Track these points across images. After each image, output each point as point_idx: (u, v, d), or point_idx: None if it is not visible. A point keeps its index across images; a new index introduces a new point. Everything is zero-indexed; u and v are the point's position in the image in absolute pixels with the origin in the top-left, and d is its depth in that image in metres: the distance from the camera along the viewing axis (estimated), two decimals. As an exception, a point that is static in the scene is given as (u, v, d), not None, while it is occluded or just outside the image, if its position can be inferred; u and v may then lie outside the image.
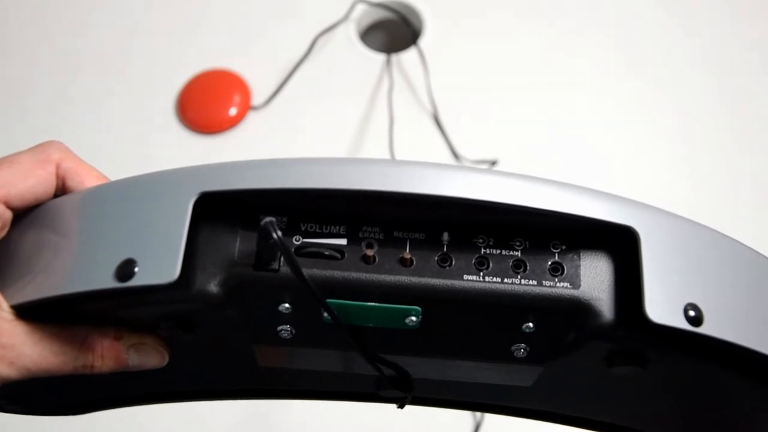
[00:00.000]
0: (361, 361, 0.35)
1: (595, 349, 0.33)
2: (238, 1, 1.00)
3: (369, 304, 0.32)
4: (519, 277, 0.32)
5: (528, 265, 0.33)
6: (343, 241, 0.32)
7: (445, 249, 0.33)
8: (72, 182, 0.36)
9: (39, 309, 0.33)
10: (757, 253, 0.34)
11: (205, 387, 0.44)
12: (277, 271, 0.32)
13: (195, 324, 0.34)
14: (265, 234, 0.30)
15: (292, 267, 0.30)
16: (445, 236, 0.33)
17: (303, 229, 0.33)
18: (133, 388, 0.43)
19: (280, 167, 0.32)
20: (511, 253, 0.33)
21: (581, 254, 0.33)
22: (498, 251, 0.33)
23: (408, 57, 0.95)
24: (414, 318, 0.33)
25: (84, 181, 0.36)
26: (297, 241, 0.32)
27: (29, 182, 0.35)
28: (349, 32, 0.97)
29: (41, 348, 0.33)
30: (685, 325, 0.30)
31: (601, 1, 1.01)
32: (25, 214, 0.35)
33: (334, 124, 0.92)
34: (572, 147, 0.91)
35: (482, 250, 0.33)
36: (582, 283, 0.32)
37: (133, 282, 0.30)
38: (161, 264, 0.30)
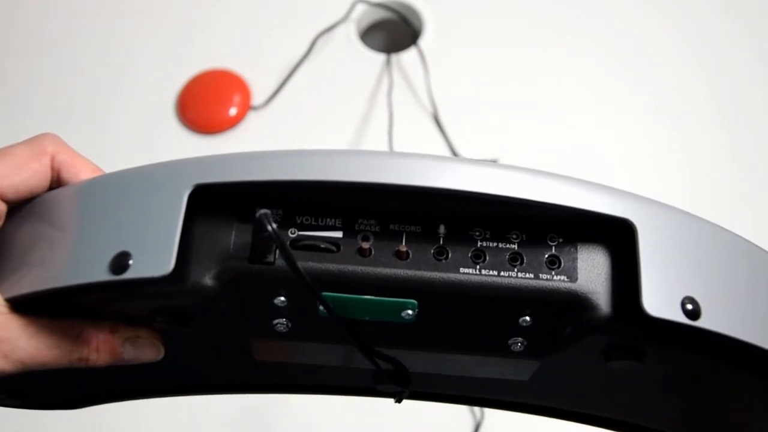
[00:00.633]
0: (357, 355, 0.34)
1: (593, 343, 0.33)
2: (238, 1, 1.00)
3: (365, 297, 0.32)
4: (516, 270, 0.32)
5: (525, 258, 0.32)
6: (339, 234, 0.32)
7: (441, 242, 0.32)
8: (67, 174, 0.36)
9: (34, 302, 0.33)
10: (755, 245, 0.33)
11: (201, 381, 0.44)
12: (272, 264, 0.31)
13: (190, 317, 0.34)
14: (259, 226, 0.29)
15: (287, 260, 0.30)
16: (442, 229, 0.33)
17: (298, 221, 0.32)
18: (130, 382, 0.43)
19: (275, 159, 0.31)
20: (508, 246, 0.32)
21: (578, 247, 0.32)
22: (495, 244, 0.32)
23: (408, 57, 0.95)
24: (410, 311, 0.32)
25: (79, 173, 0.36)
26: (292, 233, 0.32)
27: (24, 175, 0.35)
28: (349, 32, 0.97)
29: (36, 341, 0.33)
30: (682, 319, 0.30)
31: (601, 2, 1.01)
32: (19, 206, 0.35)
33: (334, 124, 0.92)
34: (572, 147, 0.90)
35: (479, 243, 0.32)
36: (579, 276, 0.32)
37: (128, 275, 0.30)
38: (156, 257, 0.30)
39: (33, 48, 0.97)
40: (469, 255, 0.32)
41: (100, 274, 0.30)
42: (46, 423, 0.71)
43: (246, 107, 0.92)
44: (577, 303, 0.32)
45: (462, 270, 0.32)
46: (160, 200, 0.31)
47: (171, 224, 0.30)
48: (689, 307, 0.30)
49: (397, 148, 0.88)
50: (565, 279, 0.32)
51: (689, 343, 0.32)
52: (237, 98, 0.92)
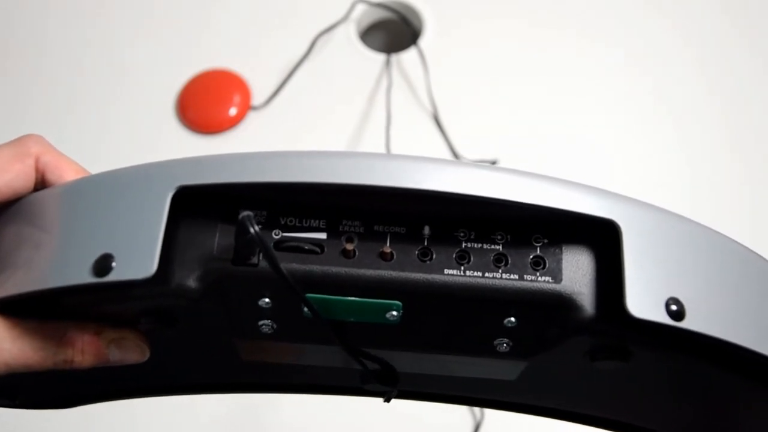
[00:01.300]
0: (345, 355, 0.34)
1: (578, 344, 0.33)
2: (238, 1, 1.00)
3: (349, 298, 0.32)
4: (500, 271, 0.32)
5: (509, 258, 0.32)
6: (323, 235, 0.32)
7: (425, 243, 0.32)
8: (51, 176, 0.36)
9: (19, 304, 0.33)
10: (742, 245, 0.33)
11: (190, 381, 0.44)
12: (256, 265, 0.31)
13: (175, 319, 0.34)
14: (242, 229, 0.29)
15: (270, 262, 0.30)
16: (426, 230, 0.32)
17: (282, 222, 0.32)
18: (120, 382, 0.43)
19: (258, 161, 0.31)
20: (493, 246, 0.32)
21: (563, 248, 0.32)
22: (479, 245, 0.32)
23: (408, 57, 0.95)
24: (395, 313, 0.32)
25: (63, 174, 0.36)
26: (276, 235, 0.32)
27: (7, 176, 0.35)
28: (349, 32, 0.97)
29: (21, 343, 0.33)
30: (666, 320, 0.30)
31: (601, 2, 1.01)
32: (4, 208, 0.35)
33: (334, 124, 0.92)
34: (572, 147, 0.90)
35: (463, 244, 0.32)
36: (564, 277, 0.32)
37: (111, 277, 0.30)
38: (138, 259, 0.30)
39: (33, 48, 0.97)
40: (454, 256, 0.32)
41: (84, 276, 0.30)
42: (36, 423, 0.72)
43: (246, 107, 0.92)
44: (561, 304, 0.32)
45: (446, 271, 0.32)
46: (144, 202, 0.31)
47: (154, 226, 0.30)
48: (674, 308, 0.30)
49: (395, 147, 0.88)
50: (550, 280, 0.32)
51: (674, 344, 0.31)
52: (237, 98, 0.92)
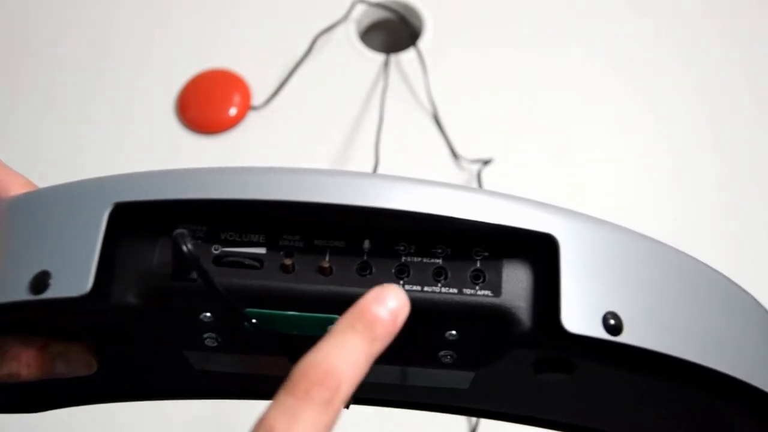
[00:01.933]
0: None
1: (522, 356, 0.33)
2: (238, 1, 1.00)
3: (288, 313, 0.32)
4: (439, 285, 0.32)
5: (449, 272, 0.32)
6: (263, 250, 0.32)
7: (365, 257, 0.32)
8: None
9: None
10: (688, 255, 0.33)
11: (150, 387, 0.44)
12: (195, 281, 0.31)
13: (119, 334, 0.34)
14: (176, 246, 0.29)
15: (203, 280, 0.30)
16: (366, 244, 0.32)
17: (222, 237, 0.32)
18: (83, 388, 0.43)
19: (196, 177, 0.31)
20: (433, 260, 0.32)
21: (504, 261, 0.32)
22: (419, 259, 0.32)
23: (408, 57, 0.95)
24: None
25: (9, 188, 0.36)
26: (216, 250, 0.32)
27: None
28: (349, 32, 0.97)
29: None
30: (602, 335, 0.30)
31: (601, 4, 1.00)
32: None
33: (333, 124, 0.92)
34: (572, 147, 0.90)
35: (403, 258, 0.32)
36: (503, 290, 0.32)
37: (47, 294, 0.30)
38: (74, 276, 0.30)
39: (32, 48, 0.98)
40: (393, 270, 0.32)
41: (21, 293, 0.30)
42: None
43: (246, 107, 0.92)
44: (500, 318, 0.32)
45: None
46: (81, 219, 0.31)
47: (90, 243, 0.30)
48: (611, 322, 0.30)
49: (395, 148, 0.88)
50: (489, 294, 0.32)
51: (612, 358, 0.31)
52: (237, 98, 0.92)
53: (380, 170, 0.86)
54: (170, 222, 0.32)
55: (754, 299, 0.35)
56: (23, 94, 0.95)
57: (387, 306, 0.28)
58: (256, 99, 0.93)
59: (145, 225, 0.32)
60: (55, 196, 0.33)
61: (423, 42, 0.95)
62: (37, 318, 0.33)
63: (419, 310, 0.32)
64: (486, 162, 0.87)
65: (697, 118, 0.92)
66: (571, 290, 0.30)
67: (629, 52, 0.96)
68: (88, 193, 0.32)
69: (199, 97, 0.93)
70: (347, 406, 0.39)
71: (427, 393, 0.41)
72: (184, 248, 0.29)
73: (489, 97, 0.93)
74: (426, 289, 0.32)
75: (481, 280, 0.32)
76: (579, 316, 0.30)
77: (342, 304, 0.32)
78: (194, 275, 0.31)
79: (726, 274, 0.34)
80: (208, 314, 0.33)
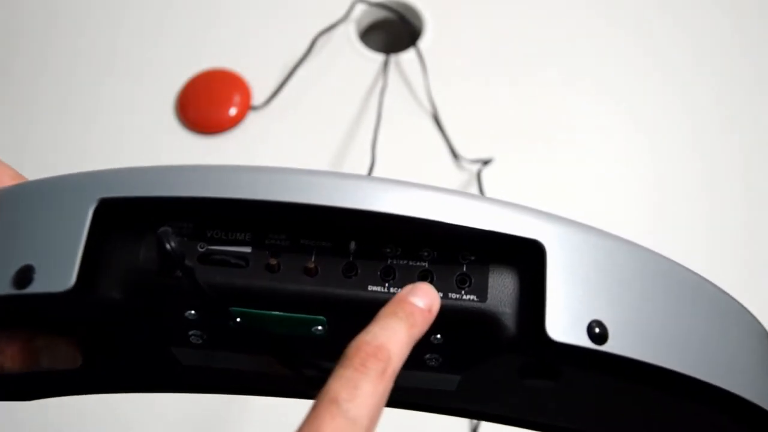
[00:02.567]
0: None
1: (507, 361, 0.33)
2: (238, 1, 1.00)
3: (273, 313, 0.32)
4: None
5: (435, 276, 0.32)
6: (248, 249, 0.32)
7: (351, 258, 0.32)
8: None
9: None
10: (675, 263, 0.33)
11: (135, 381, 0.44)
12: (180, 278, 0.31)
13: (103, 329, 0.34)
14: (160, 244, 0.29)
15: (187, 278, 0.30)
16: (352, 245, 0.32)
17: (208, 235, 0.32)
18: (71, 379, 0.43)
19: (183, 174, 0.31)
20: (419, 263, 0.32)
21: (490, 266, 0.32)
22: (405, 261, 0.32)
23: (408, 57, 0.94)
24: (320, 327, 0.32)
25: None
26: (202, 248, 0.32)
27: None
28: (349, 32, 0.97)
29: None
30: (587, 343, 0.30)
31: (602, 3, 1.00)
32: None
33: (334, 124, 0.92)
34: (572, 147, 0.90)
35: (389, 260, 0.32)
36: (489, 296, 0.32)
37: (30, 289, 0.30)
38: (58, 271, 0.30)
39: (32, 48, 0.98)
40: (378, 272, 0.32)
41: (4, 287, 0.30)
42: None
43: (246, 107, 0.92)
44: (485, 323, 0.32)
45: (370, 287, 0.32)
46: (65, 214, 0.31)
47: (75, 238, 0.30)
48: (596, 330, 0.30)
49: (394, 148, 0.88)
50: (475, 298, 0.32)
51: (596, 367, 0.31)
52: (237, 98, 0.92)
53: (379, 171, 0.86)
54: (156, 219, 0.32)
55: (743, 307, 0.35)
56: (23, 94, 0.95)
57: (422, 298, 0.31)
58: (256, 99, 0.93)
59: (131, 221, 0.32)
60: (40, 190, 0.33)
61: (423, 42, 0.95)
62: (21, 312, 0.33)
63: None
64: (486, 162, 0.87)
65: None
66: (556, 297, 0.30)
67: (635, 51, 0.96)
68: (74, 188, 0.32)
69: (199, 97, 0.93)
70: None
71: (415, 394, 0.41)
72: (168, 246, 0.29)
73: (489, 97, 0.93)
74: None
75: (467, 285, 0.32)
76: (564, 323, 0.30)
77: (327, 304, 0.32)
78: (179, 273, 0.31)
79: (718, 284, 0.34)
80: (193, 312, 0.33)
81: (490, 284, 0.32)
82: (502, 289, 0.32)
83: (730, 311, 0.34)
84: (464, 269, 0.32)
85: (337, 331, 0.33)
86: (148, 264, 0.32)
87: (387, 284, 0.32)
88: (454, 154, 0.88)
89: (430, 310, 0.31)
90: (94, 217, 0.31)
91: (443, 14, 0.97)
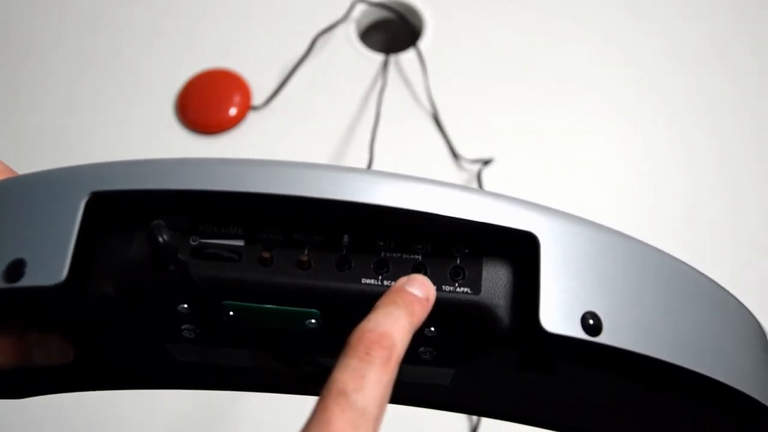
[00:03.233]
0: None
1: (503, 354, 0.33)
2: (238, 1, 1.00)
3: (266, 306, 0.32)
4: None
5: (428, 269, 0.32)
6: (241, 243, 0.32)
7: (344, 252, 0.32)
8: None
9: None
10: (669, 255, 0.33)
11: (129, 377, 0.43)
12: (172, 271, 0.31)
13: (95, 323, 0.34)
14: (151, 237, 0.29)
15: (179, 271, 0.30)
16: (346, 239, 0.32)
17: (201, 229, 0.32)
18: (66, 376, 0.43)
19: (175, 167, 0.31)
20: (412, 256, 0.32)
21: (484, 259, 0.32)
22: (398, 255, 0.32)
23: (408, 57, 0.94)
24: (314, 320, 0.32)
25: None
26: (194, 241, 0.32)
27: None
28: (349, 32, 0.97)
29: None
30: (581, 335, 0.30)
31: (603, 3, 1.00)
32: None
33: (334, 124, 0.91)
34: (572, 148, 0.89)
35: (382, 254, 0.32)
36: (483, 288, 0.32)
37: (21, 283, 0.30)
38: (49, 265, 0.30)
39: (32, 47, 0.98)
40: (372, 265, 0.32)
41: None
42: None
43: (246, 107, 0.92)
44: (479, 315, 0.31)
45: (364, 281, 0.32)
46: (57, 207, 0.31)
47: (66, 232, 0.30)
48: (590, 322, 0.30)
49: (394, 147, 0.88)
50: (468, 291, 0.32)
51: (591, 359, 0.31)
52: (237, 98, 0.92)
53: (375, 169, 0.86)
54: (149, 212, 0.32)
55: (736, 299, 0.35)
56: (23, 93, 0.95)
57: (419, 288, 0.31)
58: (256, 99, 0.93)
59: (124, 214, 0.32)
60: (32, 183, 0.32)
61: (423, 42, 0.95)
62: (13, 306, 0.33)
63: None
64: (486, 162, 0.87)
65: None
66: (550, 289, 0.30)
67: (636, 51, 0.96)
68: (65, 182, 0.32)
69: (199, 97, 0.93)
70: None
71: (409, 388, 0.41)
72: (161, 239, 0.29)
73: (489, 97, 0.93)
74: None
75: (460, 278, 0.32)
76: (558, 315, 0.30)
77: (320, 297, 0.32)
78: (172, 267, 0.31)
79: (714, 278, 0.34)
80: (186, 306, 0.33)
81: (483, 277, 0.32)
82: (495, 281, 0.32)
83: (724, 303, 0.34)
84: (458, 262, 0.32)
85: (330, 324, 0.33)
86: (141, 257, 0.31)
87: (381, 277, 0.32)
88: (454, 154, 0.88)
89: (427, 299, 0.31)
90: (86, 211, 0.31)
91: (443, 14, 0.97)
